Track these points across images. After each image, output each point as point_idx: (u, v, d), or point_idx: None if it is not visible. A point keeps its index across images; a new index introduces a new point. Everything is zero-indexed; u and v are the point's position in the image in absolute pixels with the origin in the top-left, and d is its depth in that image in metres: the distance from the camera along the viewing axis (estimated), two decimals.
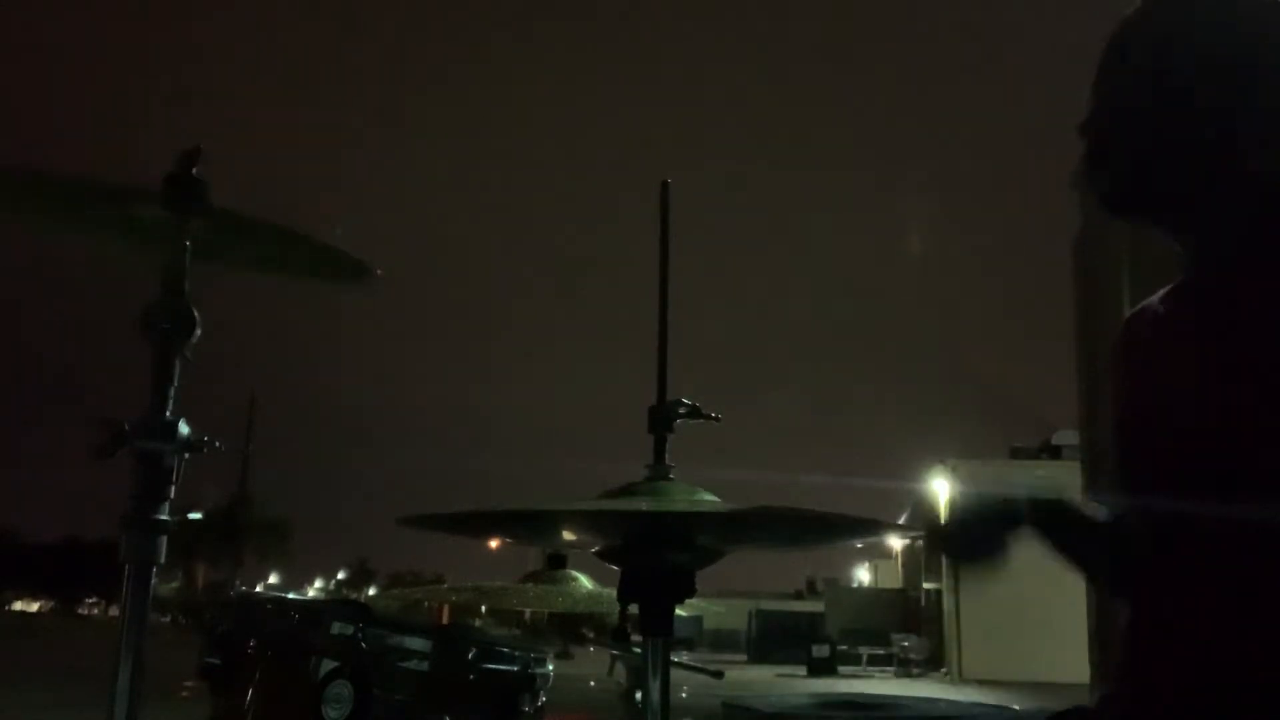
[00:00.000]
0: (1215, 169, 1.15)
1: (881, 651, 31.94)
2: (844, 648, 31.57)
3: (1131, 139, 1.19)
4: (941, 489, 27.57)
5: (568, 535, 1.47)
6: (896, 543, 42.25)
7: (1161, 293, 1.28)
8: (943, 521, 1.28)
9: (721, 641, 45.05)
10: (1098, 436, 9.28)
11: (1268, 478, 1.05)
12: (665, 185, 1.56)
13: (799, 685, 23.45)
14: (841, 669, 29.30)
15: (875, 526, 1.38)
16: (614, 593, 1.28)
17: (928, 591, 34.45)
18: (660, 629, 1.29)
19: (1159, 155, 1.17)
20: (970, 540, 1.28)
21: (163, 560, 1.17)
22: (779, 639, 37.48)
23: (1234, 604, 1.08)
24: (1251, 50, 1.14)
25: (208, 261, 1.32)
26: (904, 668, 30.38)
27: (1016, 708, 1.32)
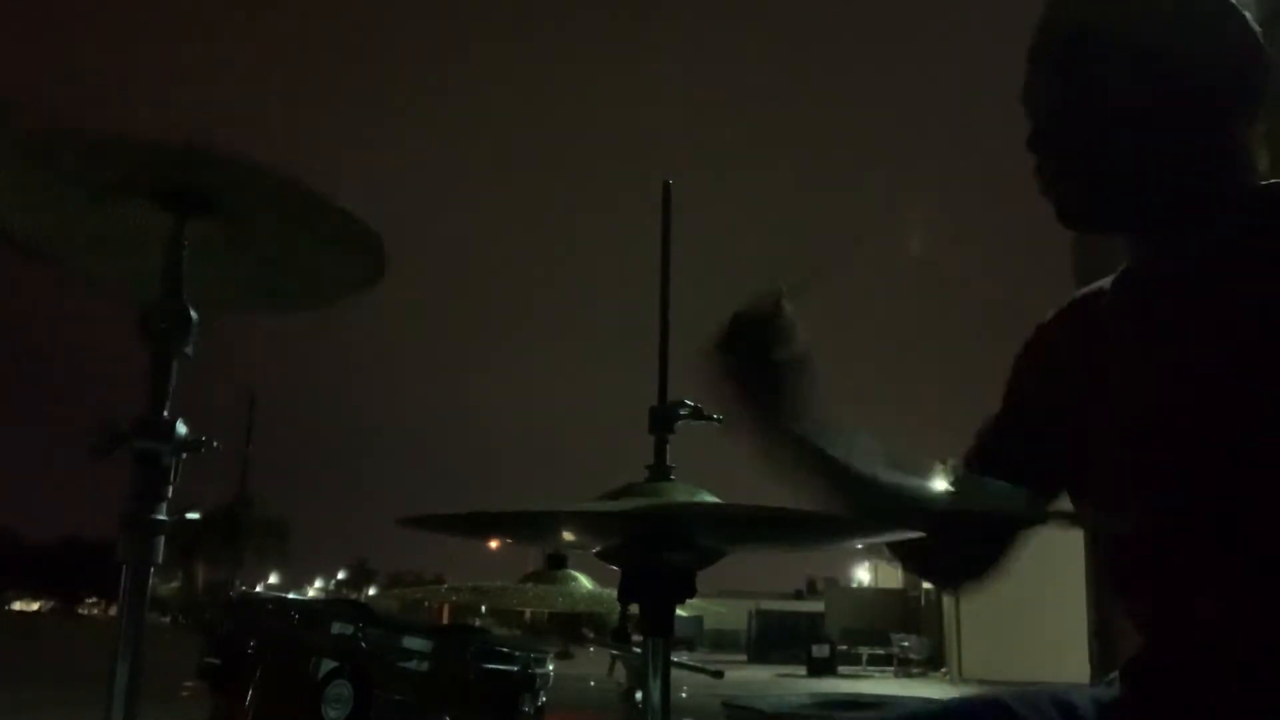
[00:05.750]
0: (1151, 169, 1.13)
1: (881, 651, 31.97)
2: (844, 648, 31.60)
3: (1069, 161, 1.16)
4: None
5: (567, 536, 1.46)
6: None
7: (1109, 279, 1.25)
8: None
9: (721, 641, 45.10)
10: None
11: (1222, 467, 1.04)
12: (667, 185, 1.56)
13: (799, 685, 23.44)
14: (841, 669, 29.31)
15: (875, 526, 1.38)
16: (614, 593, 1.28)
17: (928, 591, 34.44)
18: (660, 629, 1.28)
19: (1099, 176, 1.15)
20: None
21: (160, 560, 1.17)
22: (779, 639, 37.55)
23: (1179, 590, 1.08)
24: (1166, 39, 1.11)
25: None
26: (904, 668, 30.40)
27: (1008, 701, 1.31)
